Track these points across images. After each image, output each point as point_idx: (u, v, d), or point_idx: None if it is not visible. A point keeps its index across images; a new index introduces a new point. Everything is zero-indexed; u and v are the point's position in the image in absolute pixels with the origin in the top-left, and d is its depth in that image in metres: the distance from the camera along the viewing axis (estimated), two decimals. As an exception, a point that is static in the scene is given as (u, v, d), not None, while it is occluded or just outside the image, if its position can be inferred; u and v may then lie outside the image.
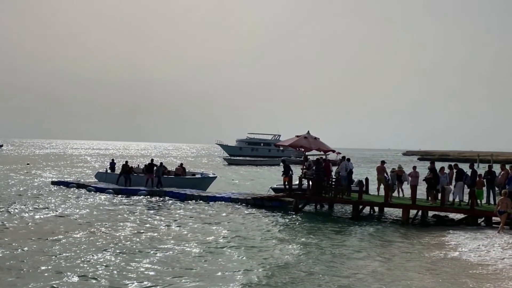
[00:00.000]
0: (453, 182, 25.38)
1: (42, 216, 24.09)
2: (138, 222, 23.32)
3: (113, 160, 42.87)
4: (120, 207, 28.11)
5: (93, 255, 16.44)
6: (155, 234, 20.39)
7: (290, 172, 29.19)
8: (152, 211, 26.82)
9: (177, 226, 22.38)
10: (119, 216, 24.93)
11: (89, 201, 29.74)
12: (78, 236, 19.56)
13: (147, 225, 22.48)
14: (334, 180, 28.20)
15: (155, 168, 35.52)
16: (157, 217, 24.78)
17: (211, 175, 40.02)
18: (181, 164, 40.78)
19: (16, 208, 26.25)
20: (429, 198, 25.80)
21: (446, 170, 25.89)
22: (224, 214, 26.21)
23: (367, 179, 30.49)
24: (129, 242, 18.69)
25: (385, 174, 27.92)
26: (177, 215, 25.55)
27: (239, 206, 28.99)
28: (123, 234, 20.28)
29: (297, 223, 24.39)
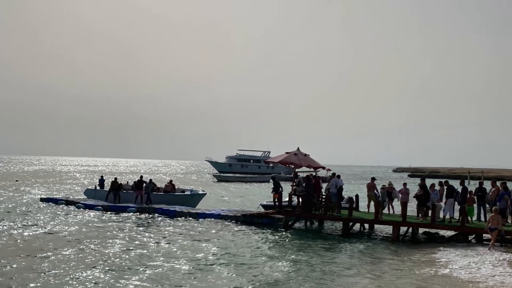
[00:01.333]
0: (444, 199, 25.37)
1: (31, 233, 23.92)
2: (127, 239, 23.17)
3: (102, 176, 42.67)
4: (109, 224, 27.95)
5: (82, 272, 16.30)
6: (145, 251, 20.26)
7: (280, 188, 29.16)
8: (141, 228, 26.67)
9: (166, 243, 22.25)
10: (108, 233, 24.77)
11: (78, 218, 29.55)
12: (67, 253, 19.40)
13: (137, 242, 22.33)
14: (324, 197, 28.15)
15: (144, 184, 35.36)
16: (147, 234, 24.64)
17: (200, 192, 39.92)
18: (171, 180, 40.60)
19: (5, 225, 26.06)
20: (420, 215, 25.79)
21: (437, 187, 25.91)
22: (213, 231, 26.10)
23: (357, 196, 30.50)
24: (118, 259, 18.56)
25: (375, 191, 27.95)
26: (166, 232, 25.41)
27: (229, 223, 28.88)
28: (112, 251, 20.14)
29: (287, 240, 24.30)
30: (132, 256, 19.19)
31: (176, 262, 18.38)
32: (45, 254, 19.02)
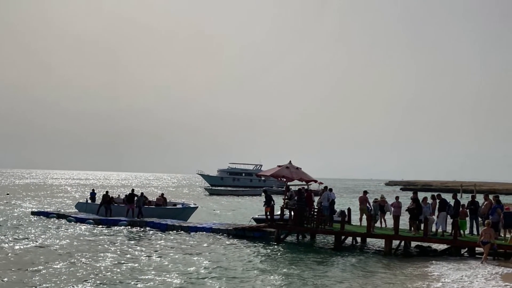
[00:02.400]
0: (436, 212, 25.42)
1: (22, 247, 23.79)
2: (119, 252, 23.06)
3: (93, 190, 42.44)
4: (101, 237, 27.82)
5: (73, 286, 16.22)
6: (136, 265, 20.16)
7: (272, 202, 29.14)
8: (133, 242, 26.55)
9: (158, 257, 22.15)
10: (99, 246, 24.65)
11: (69, 232, 29.41)
12: (58, 266, 19.29)
13: (128, 256, 22.23)
14: (316, 210, 28.12)
15: (136, 198, 35.26)
16: (138, 248, 24.53)
17: (192, 206, 39.82)
18: (162, 194, 40.49)
19: (-5, 239, 25.92)
20: (412, 228, 25.79)
21: (429, 200, 25.94)
22: (205, 245, 26.01)
23: (349, 209, 30.49)
24: (109, 273, 18.46)
25: (367, 204, 27.95)
26: (158, 246, 25.30)
27: (221, 237, 28.81)
28: (103, 264, 20.03)
29: (279, 253, 24.24)
30: (123, 270, 19.09)
31: (167, 275, 18.30)
32: (36, 268, 18.91)
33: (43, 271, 18.33)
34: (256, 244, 26.41)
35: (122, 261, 20.86)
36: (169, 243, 26.35)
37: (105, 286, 16.44)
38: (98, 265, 19.94)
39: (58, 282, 16.76)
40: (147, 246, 25.05)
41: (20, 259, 20.68)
